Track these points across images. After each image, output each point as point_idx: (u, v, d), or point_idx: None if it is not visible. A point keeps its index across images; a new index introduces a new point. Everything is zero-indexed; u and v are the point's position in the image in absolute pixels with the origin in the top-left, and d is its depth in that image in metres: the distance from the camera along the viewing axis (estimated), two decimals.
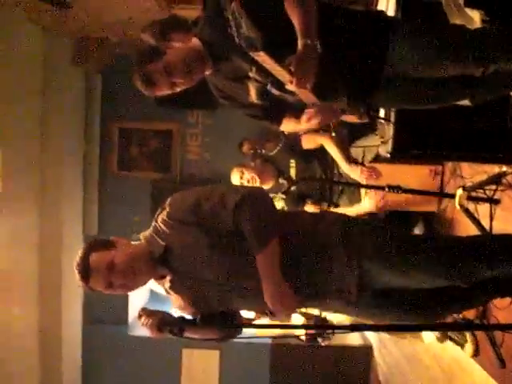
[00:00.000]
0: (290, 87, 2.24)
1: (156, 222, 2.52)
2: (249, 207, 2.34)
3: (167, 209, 2.48)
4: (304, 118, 2.60)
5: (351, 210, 4.53)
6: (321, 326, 2.35)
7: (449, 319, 3.81)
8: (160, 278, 2.57)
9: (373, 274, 2.47)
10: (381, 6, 3.66)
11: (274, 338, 3.21)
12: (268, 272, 2.33)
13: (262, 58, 2.14)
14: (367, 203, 4.39)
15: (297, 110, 2.67)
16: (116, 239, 2.51)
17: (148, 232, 2.56)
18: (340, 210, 4.62)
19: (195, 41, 2.54)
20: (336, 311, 2.73)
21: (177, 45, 2.54)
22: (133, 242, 2.57)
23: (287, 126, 2.83)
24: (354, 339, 7.55)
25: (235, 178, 4.66)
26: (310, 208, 4.66)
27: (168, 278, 2.55)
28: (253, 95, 2.52)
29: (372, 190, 4.32)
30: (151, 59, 2.52)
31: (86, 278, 2.41)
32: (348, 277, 2.46)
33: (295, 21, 2.27)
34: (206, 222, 2.40)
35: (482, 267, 2.46)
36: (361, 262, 2.43)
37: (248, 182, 4.55)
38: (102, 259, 2.40)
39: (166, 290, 2.63)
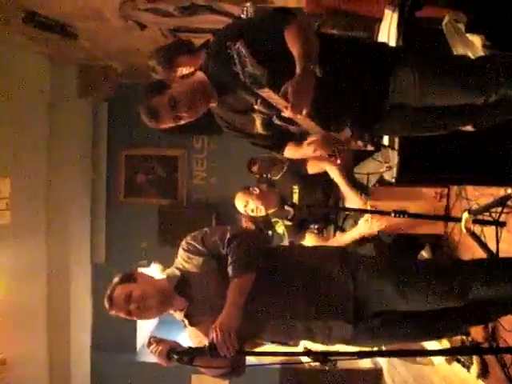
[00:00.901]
0: (286, 113, 2.25)
1: (177, 258, 2.80)
2: (239, 242, 2.62)
3: (183, 244, 2.77)
4: (305, 142, 2.65)
5: (349, 234, 4.54)
6: (327, 353, 2.35)
7: (457, 342, 3.82)
8: (180, 309, 2.75)
9: (369, 294, 2.54)
10: (382, 34, 3.69)
11: (279, 363, 3.24)
12: (233, 302, 2.51)
13: (267, 93, 2.19)
14: (363, 226, 4.39)
15: (300, 139, 2.71)
16: (138, 274, 2.79)
17: (171, 268, 2.82)
18: (336, 238, 4.64)
19: (200, 73, 2.58)
20: (336, 341, 2.75)
21: (184, 71, 2.58)
22: (155, 277, 2.84)
23: (289, 152, 2.88)
24: (363, 363, 7.51)
25: (239, 205, 4.64)
26: (311, 238, 4.66)
27: (185, 310, 2.73)
28: (258, 126, 2.56)
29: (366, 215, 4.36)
30: (157, 93, 2.55)
31: (111, 306, 2.68)
32: (344, 296, 2.57)
33: (295, 50, 2.30)
34: (212, 250, 2.67)
35: (478, 284, 2.50)
36: (356, 281, 2.58)
37: (252, 211, 4.54)
38: (122, 291, 2.66)
39: (184, 323, 2.79)
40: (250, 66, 2.17)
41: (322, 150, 2.66)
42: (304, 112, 2.24)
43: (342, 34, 2.64)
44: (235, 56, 2.16)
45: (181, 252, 2.76)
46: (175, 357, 2.46)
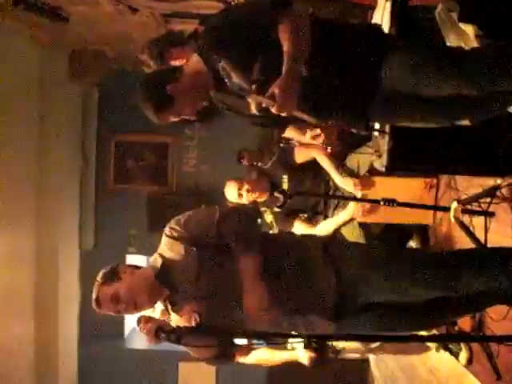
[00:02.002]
0: (274, 111, 2.30)
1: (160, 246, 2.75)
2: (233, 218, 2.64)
3: (166, 230, 2.72)
4: (310, 134, 2.68)
5: (337, 219, 4.56)
6: (320, 336, 2.34)
7: (444, 331, 3.84)
8: (165, 298, 2.73)
9: (356, 284, 2.55)
10: (375, 22, 3.68)
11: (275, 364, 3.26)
12: (249, 276, 2.54)
13: (254, 98, 2.33)
14: (350, 211, 4.42)
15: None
16: (121, 268, 2.71)
17: (154, 256, 2.77)
18: (324, 223, 4.66)
19: (195, 58, 2.56)
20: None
21: (177, 63, 2.57)
22: (143, 268, 2.79)
23: (290, 133, 2.92)
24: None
25: (231, 190, 4.64)
26: (299, 225, 4.67)
27: (169, 299, 2.71)
28: (253, 110, 2.56)
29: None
30: (169, 80, 2.54)
31: (98, 307, 2.65)
32: (329, 287, 2.57)
33: (285, 47, 2.31)
34: (194, 236, 2.65)
35: (468, 275, 2.50)
36: (340, 273, 2.58)
37: (248, 192, 4.55)
38: (107, 292, 2.62)
39: (168, 311, 2.76)
40: (235, 77, 2.39)
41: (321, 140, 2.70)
42: (290, 110, 2.31)
43: (336, 19, 2.62)
44: (221, 71, 2.39)
45: (164, 238, 2.72)
46: (163, 335, 2.47)
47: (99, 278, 2.68)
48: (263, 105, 2.33)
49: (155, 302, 2.74)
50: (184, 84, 2.53)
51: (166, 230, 2.70)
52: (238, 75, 2.41)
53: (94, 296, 2.64)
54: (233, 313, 2.61)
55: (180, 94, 2.53)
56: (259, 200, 4.65)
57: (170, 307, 2.71)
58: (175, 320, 2.72)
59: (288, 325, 2.65)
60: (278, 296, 2.56)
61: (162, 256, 2.70)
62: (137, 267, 2.76)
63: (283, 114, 2.33)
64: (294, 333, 2.68)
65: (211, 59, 2.46)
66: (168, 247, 2.67)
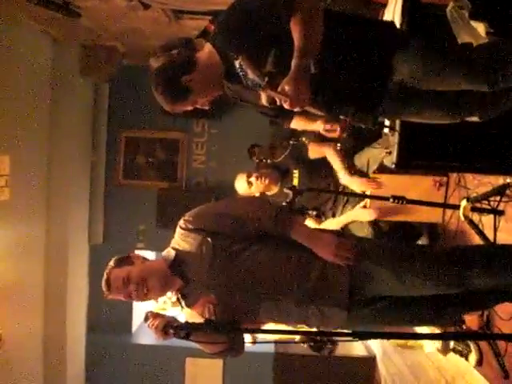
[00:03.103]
0: (286, 107, 2.33)
1: (171, 231, 2.78)
2: (258, 209, 2.64)
3: (180, 222, 2.72)
4: (325, 126, 2.70)
5: (342, 219, 4.57)
6: (325, 333, 2.36)
7: (452, 330, 3.84)
8: (176, 290, 2.75)
9: (364, 279, 2.54)
10: (387, 19, 3.68)
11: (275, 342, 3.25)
12: (308, 238, 2.61)
13: (268, 93, 2.36)
14: (366, 213, 4.42)
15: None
16: (134, 255, 2.77)
17: (166, 249, 2.78)
18: (332, 220, 4.67)
19: (209, 48, 2.57)
20: (331, 326, 2.75)
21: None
22: (151, 258, 2.82)
23: (297, 124, 2.94)
24: (357, 349, 7.54)
25: (241, 181, 4.68)
26: (309, 223, 4.68)
27: (181, 291, 2.74)
28: (264, 102, 2.57)
29: (358, 201, 4.40)
30: (185, 72, 2.54)
31: (107, 289, 2.67)
32: (339, 282, 2.57)
33: (295, 41, 2.33)
34: (213, 228, 2.64)
35: (476, 272, 2.50)
36: (352, 266, 2.57)
37: (257, 178, 4.59)
38: (119, 274, 2.65)
39: (180, 305, 2.78)
40: (250, 74, 2.45)
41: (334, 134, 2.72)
42: (303, 106, 2.35)
43: (349, 13, 2.62)
44: (237, 68, 2.44)
45: (178, 230, 2.72)
46: (171, 331, 2.48)
47: (111, 262, 2.71)
48: (276, 100, 2.36)
49: (166, 291, 2.76)
50: (198, 74, 2.54)
51: (181, 222, 2.70)
52: (254, 72, 2.44)
53: (104, 277, 2.67)
54: (247, 304, 2.64)
55: (195, 85, 2.54)
56: (269, 193, 4.67)
57: (182, 299, 2.73)
58: (187, 312, 2.74)
59: (298, 316, 2.65)
60: (293, 285, 2.58)
61: (175, 248, 2.72)
62: (146, 259, 2.79)
63: (296, 110, 2.36)
64: (302, 327, 2.70)
65: (225, 52, 2.48)
66: (182, 239, 2.68)
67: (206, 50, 2.57)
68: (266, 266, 2.60)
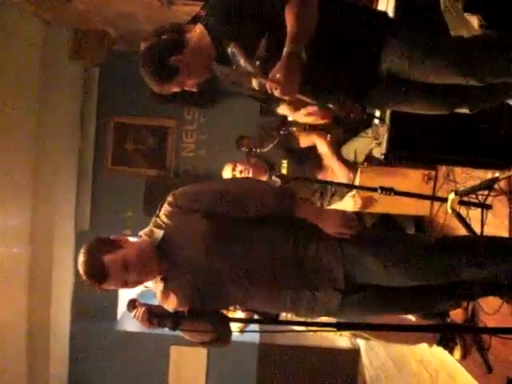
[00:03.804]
0: (277, 94, 2.32)
1: (157, 216, 2.60)
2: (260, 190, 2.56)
3: (169, 198, 2.56)
4: (305, 111, 2.69)
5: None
6: (306, 323, 2.36)
7: (435, 322, 3.85)
8: (161, 272, 2.58)
9: (353, 265, 2.54)
10: (380, 8, 3.67)
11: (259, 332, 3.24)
12: (316, 213, 2.59)
13: (260, 80, 2.39)
14: (349, 202, 4.41)
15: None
16: (119, 238, 2.55)
17: (148, 228, 2.62)
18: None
19: (199, 28, 2.54)
20: (319, 314, 2.72)
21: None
22: (133, 239, 2.63)
23: (284, 110, 2.92)
24: (341, 341, 7.56)
25: (227, 171, 4.68)
26: None
27: (163, 275, 2.58)
28: (255, 85, 2.56)
29: (354, 190, 4.39)
30: (173, 52, 2.52)
31: (103, 280, 2.43)
32: (335, 263, 2.54)
33: (289, 28, 2.31)
34: (210, 207, 2.51)
35: (462, 263, 2.49)
36: (343, 250, 2.54)
37: (241, 172, 4.57)
38: (116, 259, 2.43)
39: (160, 290, 2.64)
40: (242, 61, 2.41)
41: (318, 119, 2.71)
42: (293, 94, 2.34)
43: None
44: (230, 54, 2.41)
45: (167, 208, 2.55)
46: (156, 321, 2.42)
47: (95, 247, 2.48)
48: (267, 87, 2.35)
49: (159, 272, 2.57)
50: (188, 56, 2.53)
51: (170, 199, 2.55)
52: (246, 59, 2.42)
53: (96, 268, 2.41)
54: (238, 289, 2.56)
55: (184, 66, 2.52)
56: None
57: (163, 283, 2.60)
58: (165, 301, 2.62)
59: (291, 301, 2.60)
60: (289, 269, 2.54)
61: (159, 227, 2.56)
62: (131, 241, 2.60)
63: (286, 98, 2.35)
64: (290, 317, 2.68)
65: (217, 34, 2.47)
66: (171, 217, 2.53)
67: (197, 31, 2.55)
68: (263, 250, 2.52)
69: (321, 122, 2.91)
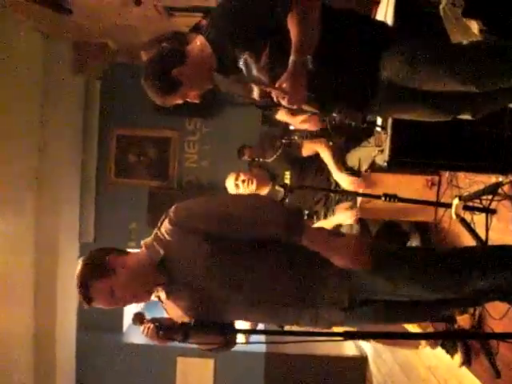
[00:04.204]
0: (284, 104, 2.33)
1: (159, 229, 2.53)
2: (266, 213, 2.43)
3: (171, 215, 2.48)
4: (300, 118, 2.70)
5: (329, 221, 4.56)
6: (314, 333, 2.34)
7: (442, 328, 3.84)
8: (159, 286, 2.56)
9: (361, 284, 2.50)
10: (379, 15, 3.67)
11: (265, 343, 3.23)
12: (323, 245, 2.37)
13: (269, 89, 2.39)
14: (342, 216, 4.42)
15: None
16: (113, 261, 2.50)
17: (150, 239, 2.56)
18: (322, 222, 4.66)
19: (201, 40, 2.54)
20: (322, 327, 2.71)
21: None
22: (132, 251, 2.60)
23: (282, 116, 2.93)
24: (349, 349, 7.54)
25: (230, 181, 4.66)
26: None
27: (164, 287, 2.55)
28: (255, 95, 2.56)
29: (345, 202, 4.40)
30: (175, 64, 2.52)
31: (89, 302, 2.47)
32: (340, 284, 2.50)
33: (293, 38, 2.32)
34: (215, 231, 2.43)
35: (473, 277, 2.48)
36: (351, 275, 2.47)
37: (244, 182, 4.56)
38: (102, 288, 2.44)
39: (161, 300, 2.63)
40: (255, 71, 2.42)
41: (313, 127, 2.71)
42: (300, 103, 2.35)
43: (344, 9, 2.61)
44: (243, 64, 2.42)
45: (168, 226, 2.47)
46: (166, 336, 2.41)
47: (84, 274, 2.47)
48: (273, 96, 2.37)
49: (153, 292, 2.56)
50: (190, 68, 2.52)
51: (172, 216, 2.47)
52: (259, 68, 2.42)
53: (79, 289, 2.46)
54: (240, 307, 2.55)
55: (186, 78, 2.52)
56: (261, 193, 4.65)
57: (164, 296, 2.58)
58: (169, 308, 2.62)
59: (292, 317, 2.58)
60: (293, 290, 2.51)
61: (162, 244, 2.49)
62: (124, 252, 2.58)
63: (293, 107, 2.35)
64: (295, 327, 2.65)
65: (219, 45, 2.46)
66: (172, 236, 2.47)
67: (198, 43, 2.54)
68: (262, 273, 2.49)
69: (313, 128, 2.93)
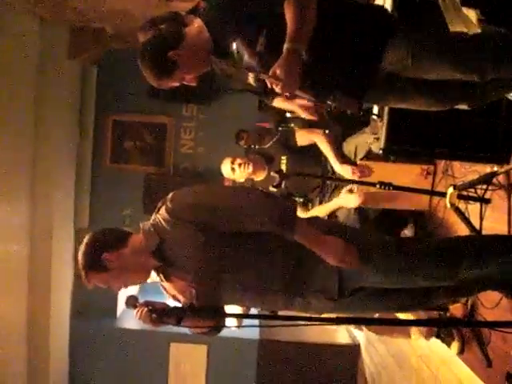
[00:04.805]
0: (278, 91, 2.32)
1: (156, 215, 2.58)
2: (259, 208, 2.46)
3: (168, 204, 2.51)
4: (299, 101, 2.70)
5: (328, 205, 4.56)
6: (307, 318, 2.36)
7: (435, 316, 3.86)
8: (158, 269, 2.63)
9: (352, 273, 2.53)
10: (377, 3, 3.66)
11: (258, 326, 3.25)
12: (315, 242, 2.44)
13: (261, 76, 2.37)
14: (351, 199, 4.40)
15: None
16: (107, 258, 2.54)
17: (148, 223, 2.60)
18: (319, 207, 4.66)
19: (198, 23, 2.53)
20: (314, 312, 2.73)
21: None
22: (131, 241, 2.61)
23: (279, 102, 2.92)
24: (341, 337, 7.56)
25: (226, 166, 4.65)
26: None
27: (161, 270, 2.62)
28: (251, 80, 2.55)
29: (353, 186, 4.38)
30: (172, 46, 2.50)
31: (89, 283, 2.59)
32: (329, 275, 2.54)
33: (289, 22, 2.31)
34: (209, 222, 2.47)
35: (464, 265, 2.49)
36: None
37: (240, 166, 4.55)
38: (100, 280, 2.57)
39: (160, 279, 2.69)
40: (246, 56, 2.41)
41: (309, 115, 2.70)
42: (294, 91, 2.35)
43: None
44: (234, 50, 2.40)
45: (164, 215, 2.51)
46: (160, 320, 2.44)
47: (84, 260, 2.56)
48: (267, 83, 2.36)
49: (149, 275, 2.63)
50: (187, 50, 2.51)
51: (169, 206, 2.50)
52: (251, 55, 2.41)
53: (82, 275, 2.56)
54: (233, 293, 2.61)
55: (183, 60, 2.50)
56: (256, 179, 4.65)
57: (163, 278, 2.65)
58: (168, 288, 2.69)
59: (283, 304, 2.64)
60: (283, 278, 2.55)
61: (159, 231, 2.54)
62: (123, 238, 2.61)
63: (286, 94, 2.34)
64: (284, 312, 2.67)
65: (216, 29, 2.46)
66: (168, 224, 2.50)
67: (195, 25, 2.53)
68: (258, 261, 2.54)
69: (308, 117, 2.90)
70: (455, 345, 4.00)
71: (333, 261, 2.42)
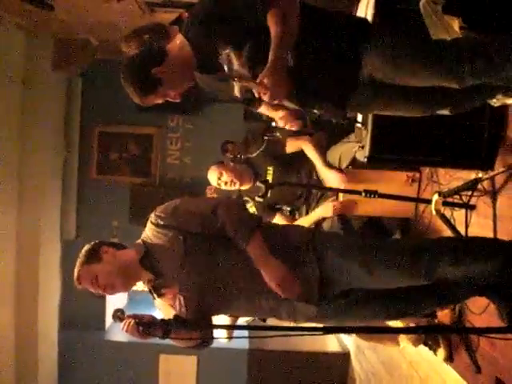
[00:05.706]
0: (265, 99, 2.35)
1: (144, 227, 2.75)
2: (225, 210, 2.62)
3: (152, 215, 2.70)
4: (279, 113, 2.73)
5: (313, 215, 4.57)
6: (293, 328, 2.36)
7: (423, 323, 3.86)
8: (147, 281, 2.75)
9: (333, 272, 2.58)
10: (360, 11, 3.68)
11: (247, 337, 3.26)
12: (261, 260, 2.54)
13: (250, 85, 2.39)
14: (328, 207, 4.43)
15: None
16: (103, 249, 2.70)
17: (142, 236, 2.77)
18: (302, 219, 4.67)
19: (180, 39, 2.53)
20: (301, 319, 2.75)
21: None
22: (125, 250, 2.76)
23: (264, 109, 2.96)
24: (331, 345, 7.56)
25: (213, 178, 4.63)
26: (279, 218, 4.69)
27: (151, 283, 2.73)
28: (237, 93, 2.56)
29: (330, 196, 4.41)
30: (155, 63, 2.50)
31: (79, 285, 2.70)
32: (309, 281, 2.59)
33: (272, 32, 2.33)
34: (184, 226, 2.62)
35: (444, 262, 2.50)
36: (323, 262, 2.60)
37: (226, 184, 4.54)
38: (88, 273, 2.65)
39: (152, 295, 2.78)
40: (236, 65, 2.44)
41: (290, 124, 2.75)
42: (280, 99, 2.39)
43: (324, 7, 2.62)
44: (225, 59, 2.43)
45: (149, 226, 2.70)
46: (146, 332, 2.46)
47: (82, 256, 2.69)
48: (254, 92, 2.37)
49: (134, 284, 2.74)
50: (169, 66, 2.50)
51: (152, 217, 2.68)
52: (242, 63, 2.43)
53: (75, 273, 2.67)
54: (219, 301, 2.67)
55: (165, 77, 2.50)
56: (243, 189, 4.65)
57: (153, 291, 2.73)
58: (159, 302, 2.77)
59: (270, 311, 2.69)
60: (260, 285, 2.58)
61: (146, 242, 2.70)
62: (121, 246, 2.76)
63: (274, 102, 2.36)
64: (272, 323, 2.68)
65: (200, 43, 2.46)
66: (153, 234, 2.67)
67: (177, 42, 2.54)
68: (240, 265, 2.61)
69: (290, 127, 2.95)
70: (441, 352, 4.01)
71: (271, 284, 2.53)
